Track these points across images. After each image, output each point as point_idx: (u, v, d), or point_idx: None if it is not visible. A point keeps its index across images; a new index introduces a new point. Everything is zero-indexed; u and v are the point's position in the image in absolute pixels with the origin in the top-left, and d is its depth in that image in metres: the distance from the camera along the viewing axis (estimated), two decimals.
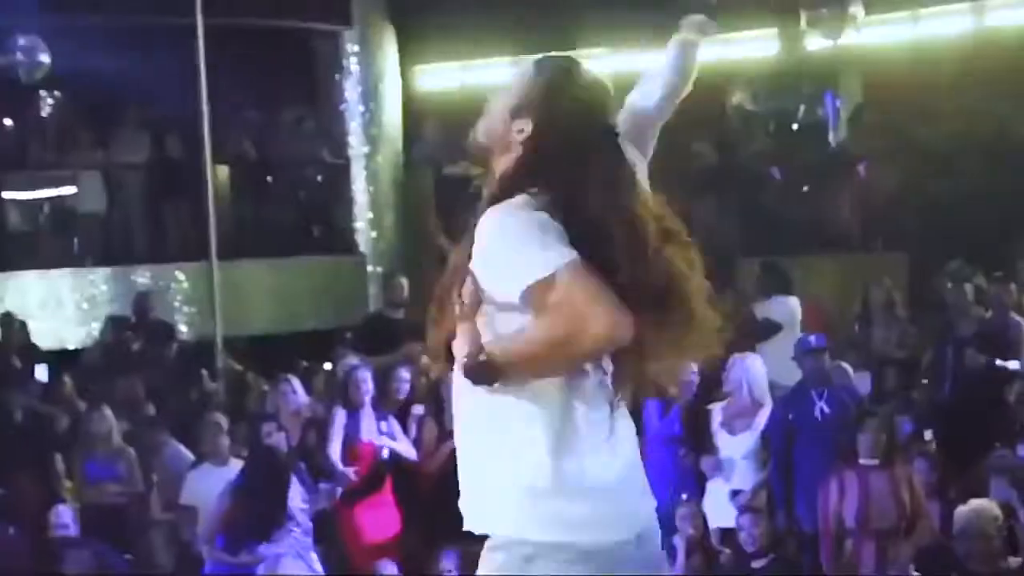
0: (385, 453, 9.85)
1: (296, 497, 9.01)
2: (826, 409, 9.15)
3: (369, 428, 9.85)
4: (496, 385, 3.13)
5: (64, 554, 9.01)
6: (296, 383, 10.54)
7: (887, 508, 8.45)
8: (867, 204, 14.65)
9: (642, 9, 14.26)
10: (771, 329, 11.27)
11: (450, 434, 9.91)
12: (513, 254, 3.08)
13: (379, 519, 9.82)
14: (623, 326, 3.02)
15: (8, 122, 16.34)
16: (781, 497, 9.12)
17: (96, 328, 13.94)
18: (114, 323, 13.46)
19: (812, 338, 9.59)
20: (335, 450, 9.75)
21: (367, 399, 9.90)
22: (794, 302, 11.54)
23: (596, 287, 3.02)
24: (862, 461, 8.54)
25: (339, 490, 9.77)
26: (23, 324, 13.34)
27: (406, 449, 10.02)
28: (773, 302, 11.49)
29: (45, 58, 13.79)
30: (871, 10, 13.24)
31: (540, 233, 3.07)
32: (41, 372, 12.76)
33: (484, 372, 3.13)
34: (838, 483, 8.55)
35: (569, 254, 3.04)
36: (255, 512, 8.89)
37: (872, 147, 14.77)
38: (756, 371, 9.56)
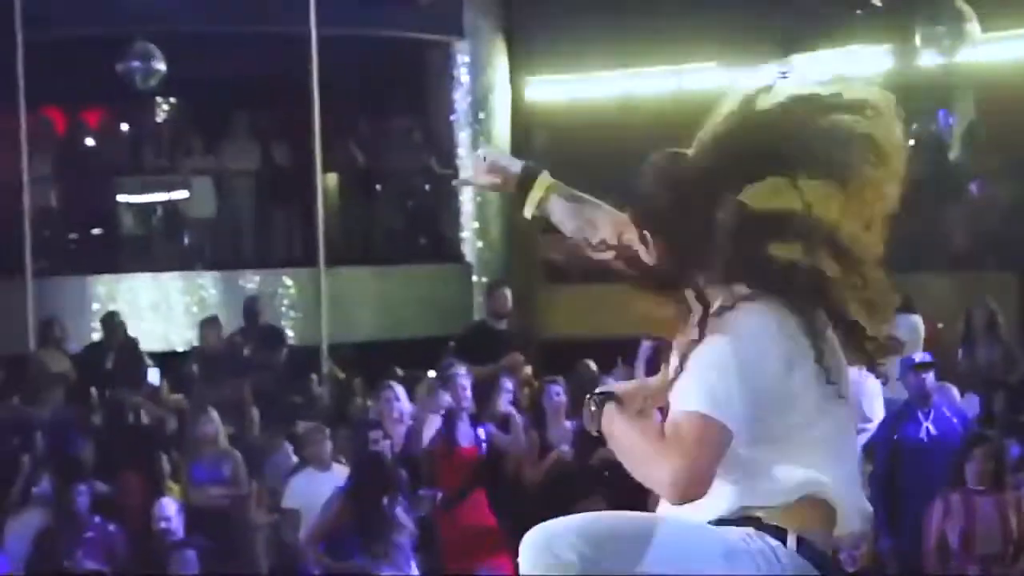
0: (483, 448, 9.85)
1: (399, 503, 9.07)
2: (932, 430, 9.03)
3: (466, 433, 9.86)
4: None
5: (171, 553, 9.14)
6: (399, 390, 10.59)
7: (994, 533, 8.33)
8: (979, 223, 14.45)
9: (756, 20, 14.24)
10: (896, 347, 11.13)
11: (551, 447, 10.00)
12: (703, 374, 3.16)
13: (478, 525, 9.83)
14: (691, 488, 3.08)
15: (124, 127, 16.63)
16: (884, 518, 9.00)
17: None
18: (208, 324, 13.48)
19: (916, 354, 9.45)
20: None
21: (465, 404, 9.92)
22: (917, 319, 11.35)
23: (712, 454, 3.10)
24: (970, 486, 8.41)
25: (439, 496, 9.80)
26: (123, 324, 13.44)
27: (510, 442, 10.01)
28: (899, 319, 11.32)
29: (160, 65, 14.03)
30: (986, 27, 13.07)
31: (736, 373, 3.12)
32: (153, 375, 12.91)
33: (596, 419, 3.28)
34: (944, 505, 8.44)
35: (731, 416, 3.11)
36: (361, 517, 8.96)
37: (986, 165, 14.57)
38: (870, 387, 9.43)
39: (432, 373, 11.66)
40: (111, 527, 9.61)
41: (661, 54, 15.68)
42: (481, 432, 9.93)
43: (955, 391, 10.02)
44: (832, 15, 14.34)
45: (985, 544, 8.33)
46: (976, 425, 9.62)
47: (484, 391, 10.27)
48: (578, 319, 13.47)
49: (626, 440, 3.21)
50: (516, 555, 3.21)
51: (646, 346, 9.43)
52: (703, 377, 3.12)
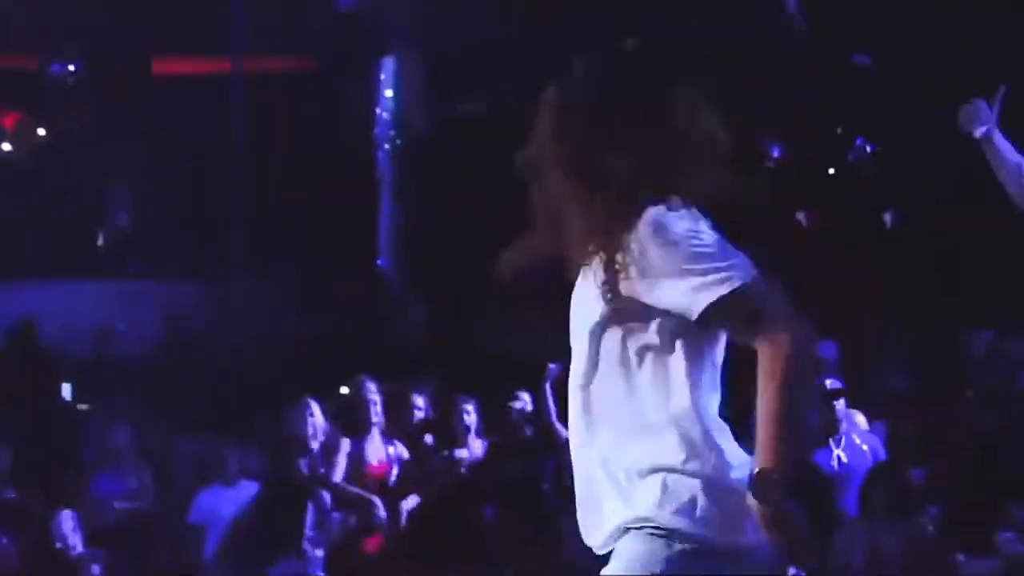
0: (393, 474, 9.77)
1: (308, 523, 8.98)
2: (844, 458, 9.05)
3: (376, 452, 9.78)
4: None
5: (71, 568, 9.02)
6: (315, 406, 10.47)
7: (897, 560, 8.36)
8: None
9: None
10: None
11: (460, 465, 9.91)
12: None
13: (386, 546, 9.75)
14: (802, 333, 2.89)
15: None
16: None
17: None
18: (105, 333, 13.33)
19: (827, 381, 9.46)
20: (339, 474, 9.66)
21: (375, 420, 9.83)
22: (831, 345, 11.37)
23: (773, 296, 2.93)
24: (875, 513, 8.44)
25: (352, 519, 9.69)
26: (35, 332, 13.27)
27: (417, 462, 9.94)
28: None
29: None
30: None
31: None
32: (64, 388, 12.76)
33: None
34: (848, 534, 8.46)
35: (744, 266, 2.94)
36: (268, 535, 8.89)
37: None
38: None
39: (344, 389, 11.58)
40: (3, 540, 9.44)
41: None
42: (391, 449, 9.85)
43: (862, 418, 10.04)
44: None
45: (888, 572, 8.36)
46: (883, 453, 9.67)
47: (395, 407, 10.20)
48: (494, 337, 13.42)
49: (782, 411, 2.91)
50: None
51: (553, 368, 9.43)
52: (700, 262, 2.89)
